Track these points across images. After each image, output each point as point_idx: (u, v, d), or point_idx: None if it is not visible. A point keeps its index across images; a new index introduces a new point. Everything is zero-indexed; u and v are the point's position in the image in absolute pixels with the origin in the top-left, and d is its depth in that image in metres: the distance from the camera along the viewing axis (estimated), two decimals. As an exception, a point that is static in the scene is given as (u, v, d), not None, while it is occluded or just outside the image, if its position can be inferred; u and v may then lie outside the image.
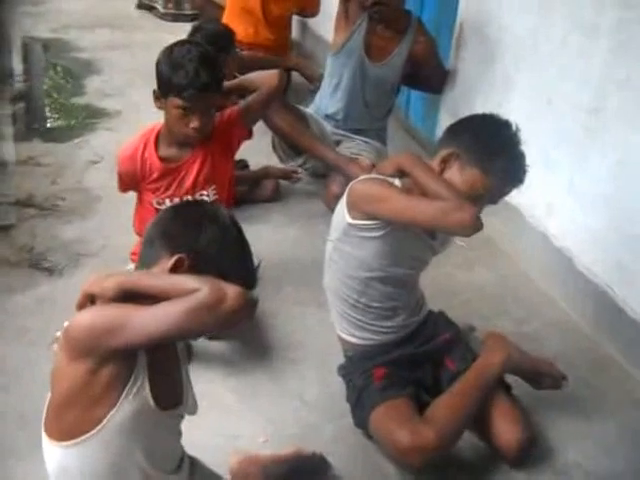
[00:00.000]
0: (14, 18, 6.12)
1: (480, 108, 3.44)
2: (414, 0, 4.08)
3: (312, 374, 2.55)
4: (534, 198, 2.95)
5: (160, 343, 1.43)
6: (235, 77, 2.94)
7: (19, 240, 3.18)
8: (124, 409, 1.44)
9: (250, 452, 2.13)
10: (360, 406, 2.23)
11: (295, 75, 4.87)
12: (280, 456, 2.11)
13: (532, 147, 2.15)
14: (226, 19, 4.76)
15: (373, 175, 2.19)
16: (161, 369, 1.52)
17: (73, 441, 1.45)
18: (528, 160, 2.11)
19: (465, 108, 3.58)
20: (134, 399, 1.44)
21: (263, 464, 2.08)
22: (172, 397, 1.59)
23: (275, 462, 2.09)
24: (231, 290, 1.39)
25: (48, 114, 4.55)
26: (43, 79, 5.09)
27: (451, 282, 3.05)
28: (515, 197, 2.28)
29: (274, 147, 3.79)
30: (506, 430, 2.17)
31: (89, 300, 1.46)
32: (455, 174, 2.08)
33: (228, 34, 3.55)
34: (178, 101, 2.36)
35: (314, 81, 4.46)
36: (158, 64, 2.41)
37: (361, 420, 2.22)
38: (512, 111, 3.13)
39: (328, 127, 3.76)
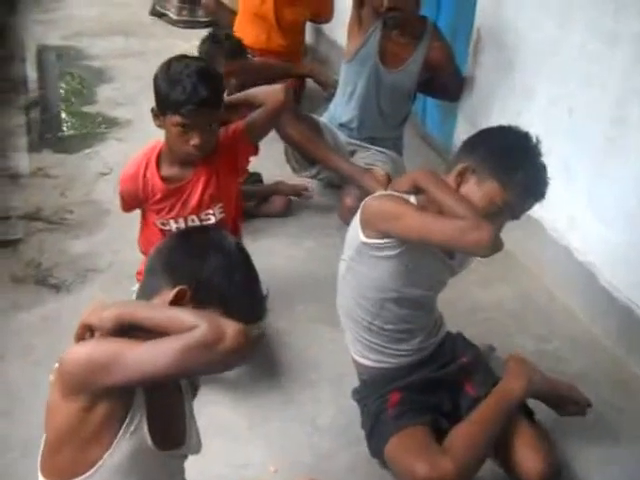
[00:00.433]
0: (26, 26, 6.08)
1: (498, 116, 3.36)
2: (430, 5, 3.99)
3: (326, 397, 2.47)
4: (555, 211, 2.85)
5: (156, 382, 1.36)
6: (243, 87, 2.85)
7: (26, 255, 3.12)
8: (120, 449, 1.36)
9: (260, 483, 2.05)
10: (375, 435, 2.14)
11: (309, 81, 4.79)
12: (292, 488, 2.03)
13: (552, 158, 2.05)
14: (238, 25, 4.73)
15: (388, 192, 2.09)
16: (161, 406, 1.45)
17: None
18: (548, 171, 2.01)
19: (483, 116, 3.50)
20: (131, 439, 1.37)
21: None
22: (173, 436, 1.51)
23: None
24: (231, 328, 1.31)
25: (59, 124, 4.49)
26: (55, 88, 5.03)
27: (469, 298, 2.95)
28: (536, 210, 2.16)
29: (287, 157, 3.69)
30: (528, 459, 2.06)
31: (87, 331, 1.40)
32: (472, 188, 1.98)
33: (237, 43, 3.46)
34: (177, 118, 2.26)
35: (328, 88, 4.37)
36: (156, 80, 2.31)
37: (376, 450, 2.13)
38: (532, 120, 3.07)
39: (342, 137, 3.67)
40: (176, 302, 1.44)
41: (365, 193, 3.29)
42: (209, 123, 2.32)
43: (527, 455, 2.06)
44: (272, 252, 3.23)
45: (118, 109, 4.59)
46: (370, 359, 2.23)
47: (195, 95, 2.22)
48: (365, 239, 2.03)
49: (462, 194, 1.96)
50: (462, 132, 3.72)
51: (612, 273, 2.73)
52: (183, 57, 2.33)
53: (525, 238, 3.00)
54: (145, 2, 6.66)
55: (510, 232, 2.04)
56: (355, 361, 2.28)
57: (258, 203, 3.49)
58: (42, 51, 5.55)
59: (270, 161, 3.77)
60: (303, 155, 3.57)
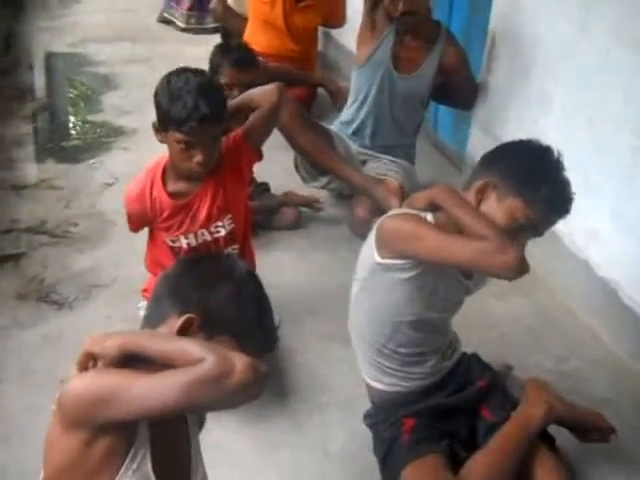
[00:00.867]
0: (32, 33, 6.01)
1: (514, 124, 3.27)
2: (442, 10, 3.90)
3: (337, 421, 2.37)
4: (574, 223, 2.71)
5: (160, 417, 1.28)
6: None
7: (29, 271, 3.03)
8: None
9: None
10: (389, 463, 2.04)
11: (320, 90, 4.73)
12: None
13: (572, 168, 1.94)
14: (249, 31, 4.68)
15: (404, 210, 1.98)
16: (166, 442, 1.38)
17: None
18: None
19: (498, 124, 3.40)
20: (134, 476, 1.30)
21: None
22: (178, 473, 1.44)
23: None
24: (240, 362, 1.24)
25: (64, 133, 4.40)
26: (60, 96, 4.95)
27: (484, 314, 2.83)
28: (555, 222, 2.06)
29: (296, 167, 3.60)
30: (548, 487, 1.97)
31: (90, 360, 1.34)
32: (493, 205, 1.87)
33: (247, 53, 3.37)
34: (178, 135, 2.16)
35: (340, 98, 4.29)
36: (156, 95, 2.21)
37: (390, 479, 2.03)
38: (549, 129, 2.98)
39: (354, 146, 3.58)
40: (183, 331, 1.38)
41: (378, 204, 3.23)
42: (212, 139, 2.22)
43: (548, 485, 1.97)
44: (281, 266, 3.14)
45: (124, 117, 4.50)
46: (383, 382, 2.14)
47: (196, 112, 2.11)
48: (380, 259, 1.94)
49: (483, 212, 1.85)
50: (476, 140, 3.62)
51: (635, 289, 2.62)
52: (184, 70, 2.22)
53: (543, 251, 2.88)
54: (152, 7, 6.59)
55: (526, 245, 1.91)
56: (367, 384, 2.19)
57: (268, 215, 3.39)
58: (48, 58, 5.48)
59: (279, 170, 3.69)
60: (313, 165, 3.47)
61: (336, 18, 4.84)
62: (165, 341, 1.34)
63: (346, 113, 3.67)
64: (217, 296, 1.45)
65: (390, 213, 2.01)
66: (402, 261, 1.91)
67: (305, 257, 3.24)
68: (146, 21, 6.46)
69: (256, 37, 4.40)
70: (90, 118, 4.58)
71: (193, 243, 2.37)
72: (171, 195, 2.32)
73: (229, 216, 2.39)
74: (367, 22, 3.44)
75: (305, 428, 2.34)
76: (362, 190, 3.31)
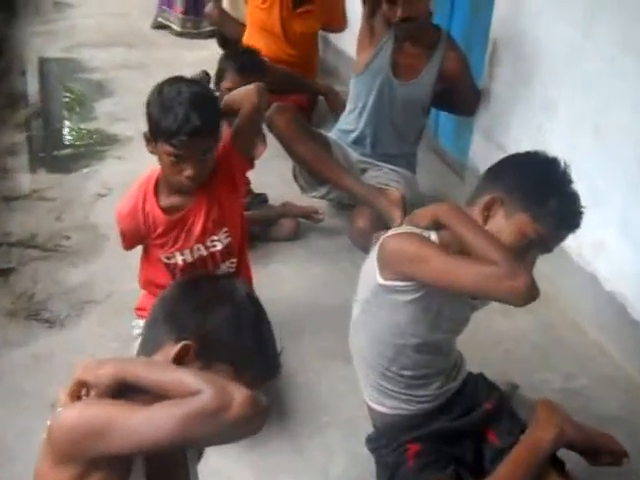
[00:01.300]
0: (25, 37, 5.91)
1: (517, 131, 3.18)
2: (442, 15, 3.81)
3: (338, 443, 2.29)
4: (581, 235, 2.62)
5: (154, 451, 1.21)
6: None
7: (19, 286, 2.95)
8: None
9: None
10: (393, 491, 1.96)
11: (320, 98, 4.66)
12: None
13: (578, 178, 1.86)
14: (247, 37, 4.61)
15: (407, 228, 1.89)
16: (163, 473, 1.33)
17: None
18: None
19: (501, 130, 3.32)
20: None
21: None
22: None
23: None
24: (238, 395, 1.17)
25: (56, 142, 4.31)
26: (52, 103, 4.87)
27: (489, 330, 2.74)
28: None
29: (295, 176, 3.50)
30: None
31: (83, 388, 1.28)
32: (501, 223, 1.79)
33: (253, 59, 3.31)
34: (168, 148, 2.07)
35: (337, 109, 4.21)
36: (148, 105, 2.12)
37: (394, 507, 1.95)
38: (554, 136, 2.90)
39: (354, 154, 3.49)
40: (180, 359, 1.32)
41: (379, 215, 3.15)
42: (203, 153, 2.13)
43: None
44: (280, 279, 3.06)
45: (118, 125, 4.42)
46: (386, 406, 2.05)
47: (187, 125, 2.02)
48: (382, 281, 1.85)
49: (490, 230, 1.77)
50: (478, 148, 3.55)
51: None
52: (177, 80, 2.14)
53: (548, 265, 2.79)
54: (145, 11, 6.49)
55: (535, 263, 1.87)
56: (369, 407, 2.11)
57: (266, 227, 3.31)
58: (41, 64, 5.39)
59: (277, 179, 3.61)
60: (312, 174, 3.39)
61: (337, 23, 4.76)
62: (161, 371, 1.28)
63: (345, 121, 3.59)
64: (214, 321, 1.39)
65: (392, 232, 1.92)
66: (405, 283, 1.83)
67: (304, 269, 3.16)
68: (140, 25, 6.37)
69: (254, 42, 4.32)
70: (83, 126, 4.50)
71: (189, 259, 2.29)
72: (165, 210, 2.24)
73: (225, 229, 2.31)
74: (365, 28, 3.37)
75: (306, 451, 2.26)
76: (363, 200, 3.24)
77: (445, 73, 3.35)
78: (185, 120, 2.02)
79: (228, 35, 5.24)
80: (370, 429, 2.15)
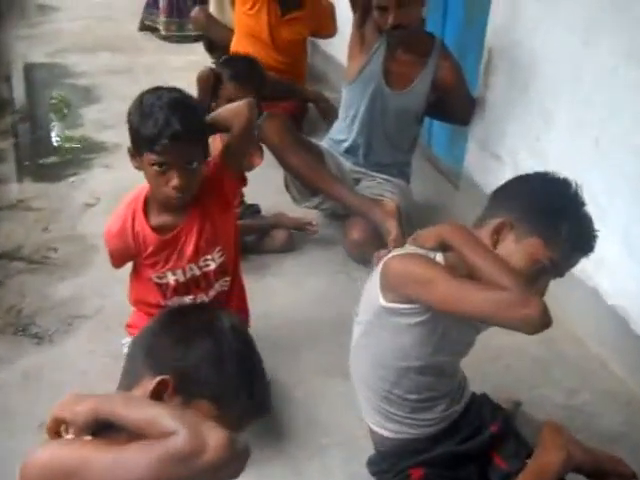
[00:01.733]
0: (9, 42, 5.83)
1: (514, 140, 3.13)
2: (434, 23, 3.75)
3: (338, 466, 2.21)
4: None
5: None
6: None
7: (5, 301, 2.87)
8: None
9: None
10: (396, 519, 1.90)
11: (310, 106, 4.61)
12: None
13: (577, 190, 1.82)
14: (235, 43, 4.54)
15: (411, 249, 1.83)
16: None
17: None
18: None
19: (496, 140, 3.27)
20: None
21: None
22: None
23: None
24: (213, 439, 1.11)
25: (41, 150, 4.22)
26: (39, 110, 4.78)
27: (489, 345, 2.62)
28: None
29: (287, 186, 3.45)
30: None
31: (61, 425, 1.23)
32: (511, 247, 1.74)
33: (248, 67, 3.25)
34: (151, 156, 1.98)
35: (329, 117, 4.16)
36: (129, 115, 2.04)
37: (398, 536, 1.90)
38: (552, 148, 2.86)
39: (347, 163, 3.43)
40: (157, 395, 1.26)
41: (374, 226, 3.09)
42: (188, 161, 2.02)
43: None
44: (274, 292, 3.00)
45: (105, 132, 4.34)
46: (388, 429, 2.00)
47: (167, 128, 1.93)
48: (385, 303, 1.79)
49: (501, 255, 1.71)
50: (473, 158, 3.49)
51: (647, 319, 2.50)
52: (158, 88, 2.06)
53: (549, 278, 2.76)
54: (132, 14, 6.45)
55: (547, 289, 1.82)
56: (371, 430, 2.05)
57: (258, 238, 3.24)
58: (26, 69, 5.30)
59: (269, 189, 3.55)
60: (305, 185, 3.33)
61: (326, 29, 4.70)
62: (138, 408, 1.21)
63: (337, 130, 3.53)
64: (194, 356, 1.33)
65: (396, 252, 1.86)
66: (409, 305, 1.77)
67: (299, 282, 3.09)
68: (126, 29, 6.31)
69: (242, 48, 4.25)
70: (70, 133, 4.43)
71: (181, 279, 2.22)
72: (155, 229, 2.16)
73: (218, 248, 2.23)
74: (356, 36, 3.30)
75: (305, 474, 2.18)
76: (357, 212, 3.18)
77: (439, 82, 3.28)
78: (165, 124, 1.94)
79: (215, 40, 5.19)
80: (371, 449, 2.09)
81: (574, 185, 1.78)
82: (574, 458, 1.93)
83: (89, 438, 1.21)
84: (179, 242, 2.17)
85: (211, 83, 3.20)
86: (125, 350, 2.25)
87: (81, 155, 4.12)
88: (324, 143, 3.53)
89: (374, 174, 3.40)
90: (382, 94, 3.28)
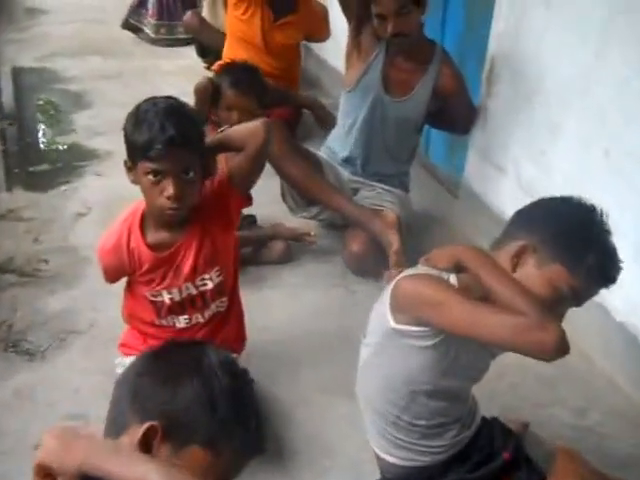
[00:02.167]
0: (-2, 47, 5.73)
1: (518, 152, 3.07)
2: (434, 30, 3.67)
3: (342, 490, 2.15)
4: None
5: None
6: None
7: (-4, 315, 2.78)
8: None
9: None
10: None
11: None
12: None
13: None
14: (228, 48, 4.47)
15: (424, 269, 1.75)
16: None
17: None
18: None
19: (499, 151, 3.21)
20: None
21: None
22: None
23: None
24: None
25: (31, 157, 4.11)
26: (29, 116, 4.68)
27: (495, 362, 2.61)
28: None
29: (283, 196, 3.37)
30: None
31: (46, 472, 1.15)
32: (531, 272, 1.66)
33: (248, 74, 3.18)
34: (146, 164, 1.90)
35: (326, 124, 4.09)
36: (124, 126, 1.97)
37: None
38: (560, 161, 2.79)
39: (345, 173, 3.36)
40: (146, 443, 1.18)
41: (374, 238, 3.02)
42: (183, 169, 1.94)
43: None
44: (272, 306, 2.92)
45: (96, 139, 4.25)
46: (396, 456, 1.93)
47: (161, 134, 1.86)
48: (395, 325, 1.72)
49: (519, 279, 1.64)
50: (473, 168, 3.43)
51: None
52: (152, 97, 1.99)
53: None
54: (122, 18, 6.30)
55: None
56: (378, 456, 1.98)
57: (256, 249, 3.17)
58: (15, 74, 5.20)
59: (266, 198, 3.42)
60: (303, 195, 3.25)
61: (319, 33, 4.65)
62: (127, 464, 1.13)
63: (335, 138, 3.46)
64: (182, 399, 1.24)
65: (408, 272, 1.78)
66: (421, 328, 1.70)
67: (297, 295, 3.02)
68: (116, 32, 6.19)
69: (235, 54, 4.18)
70: (60, 140, 4.33)
71: (177, 298, 2.14)
72: (151, 247, 2.08)
73: (217, 268, 2.16)
74: (352, 45, 3.25)
75: (308, 499, 2.12)
76: (357, 222, 3.12)
77: (440, 89, 3.22)
78: (160, 130, 1.87)
79: (207, 44, 5.13)
80: (377, 473, 2.02)
81: (600, 212, 1.70)
82: (588, 484, 1.87)
83: None
84: (176, 260, 2.09)
85: (209, 94, 3.13)
86: (118, 371, 2.18)
87: (72, 162, 4.02)
88: (322, 152, 3.46)
89: (373, 184, 3.33)
90: (382, 102, 3.21)
